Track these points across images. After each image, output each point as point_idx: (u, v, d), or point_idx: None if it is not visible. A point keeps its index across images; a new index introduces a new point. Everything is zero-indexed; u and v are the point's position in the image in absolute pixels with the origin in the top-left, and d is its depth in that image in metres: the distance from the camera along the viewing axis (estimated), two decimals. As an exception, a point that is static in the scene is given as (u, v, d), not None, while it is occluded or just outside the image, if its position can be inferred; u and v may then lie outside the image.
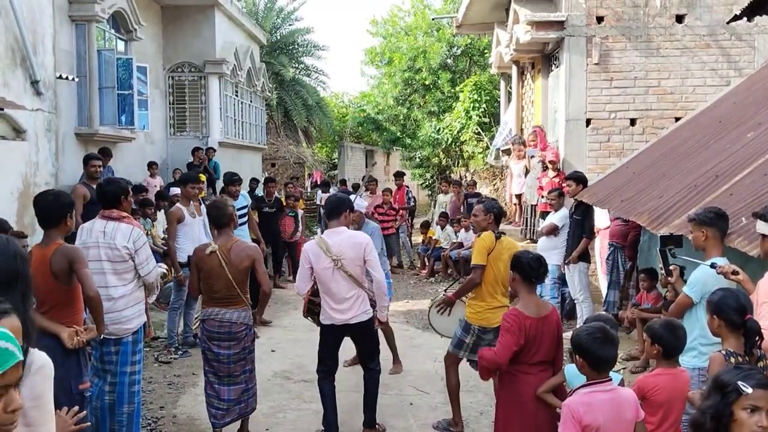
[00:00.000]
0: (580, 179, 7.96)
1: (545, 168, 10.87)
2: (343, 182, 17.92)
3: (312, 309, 5.44)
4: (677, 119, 9.96)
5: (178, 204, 7.60)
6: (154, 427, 5.56)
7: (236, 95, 16.35)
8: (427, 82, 22.21)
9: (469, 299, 5.46)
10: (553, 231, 8.14)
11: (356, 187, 15.34)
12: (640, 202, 6.54)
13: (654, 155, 8.23)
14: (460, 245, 12.14)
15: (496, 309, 5.20)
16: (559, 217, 8.15)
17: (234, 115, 16.19)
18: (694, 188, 5.88)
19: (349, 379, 5.89)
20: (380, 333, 5.70)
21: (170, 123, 14.64)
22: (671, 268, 4.54)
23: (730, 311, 3.35)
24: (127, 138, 11.71)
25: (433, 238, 13.36)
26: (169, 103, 14.60)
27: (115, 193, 4.95)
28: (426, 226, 14.62)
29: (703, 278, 4.20)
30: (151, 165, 12.42)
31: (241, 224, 8.93)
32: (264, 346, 7.82)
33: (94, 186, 7.78)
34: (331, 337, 5.31)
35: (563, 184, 8.23)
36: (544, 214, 10.47)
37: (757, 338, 3.30)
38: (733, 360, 3.28)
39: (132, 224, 4.94)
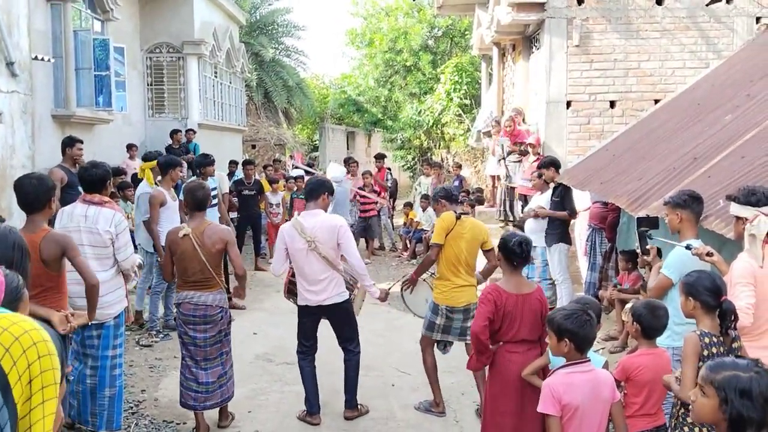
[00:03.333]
0: (550, 164, 7.98)
1: (520, 153, 10.90)
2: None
3: (292, 290, 5.51)
4: (656, 101, 10.02)
5: (159, 188, 7.54)
6: (136, 410, 5.56)
7: (215, 76, 16.19)
8: (408, 64, 22.14)
9: (435, 281, 5.58)
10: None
11: None
12: (620, 184, 6.60)
13: (633, 138, 8.30)
14: (442, 227, 12.15)
15: (461, 288, 5.32)
16: (546, 200, 8.11)
17: (213, 96, 16.04)
18: (673, 170, 5.95)
19: (331, 362, 5.92)
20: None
21: (149, 105, 14.48)
22: (648, 247, 4.61)
23: (705, 293, 3.40)
24: (104, 120, 11.57)
25: (415, 220, 13.38)
26: (148, 85, 14.43)
27: (101, 177, 4.93)
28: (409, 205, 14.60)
29: (681, 259, 4.26)
30: (131, 147, 12.29)
31: (211, 206, 8.81)
32: (246, 329, 7.83)
33: (72, 170, 7.71)
34: (307, 318, 5.39)
35: (538, 172, 8.21)
36: (524, 197, 10.53)
37: (732, 318, 3.36)
38: (707, 340, 3.34)
39: (114, 209, 4.93)
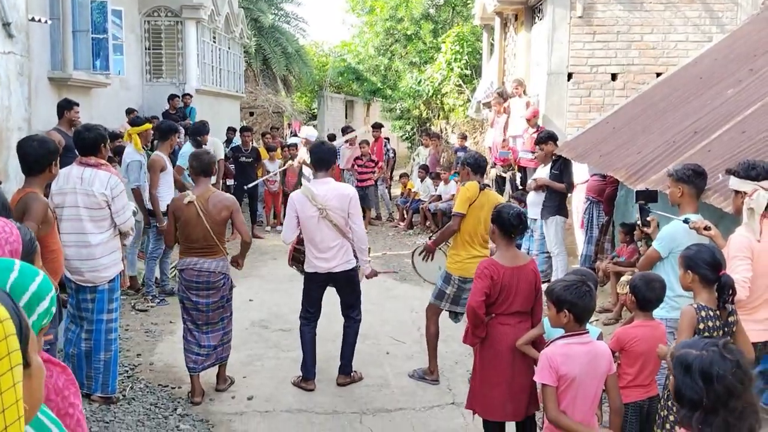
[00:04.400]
0: (549, 138, 7.92)
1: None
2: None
3: (297, 257, 5.53)
4: (658, 75, 9.95)
5: (158, 152, 7.50)
6: (132, 374, 5.59)
7: (214, 41, 16.02)
8: (408, 32, 21.90)
9: (449, 250, 5.54)
10: (543, 186, 8.00)
11: (332, 137, 15.20)
12: (619, 157, 6.57)
13: (634, 111, 8.25)
14: (439, 198, 12.17)
15: (475, 258, 5.29)
16: (546, 173, 8.05)
17: (211, 61, 15.89)
18: (673, 144, 5.92)
19: (327, 329, 5.95)
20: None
21: (146, 69, 14.34)
22: (649, 219, 4.60)
23: (704, 266, 3.40)
24: (101, 83, 11.45)
25: (412, 190, 13.36)
26: (145, 48, 14.28)
27: (94, 140, 4.88)
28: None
29: (673, 233, 4.26)
30: (130, 112, 12.19)
31: None
32: (242, 296, 7.83)
33: (69, 133, 7.65)
34: (314, 285, 5.39)
35: (537, 148, 8.12)
36: (524, 170, 10.50)
37: (730, 292, 3.36)
38: (703, 313, 3.35)
39: (110, 172, 4.90)
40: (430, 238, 6.00)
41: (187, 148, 8.23)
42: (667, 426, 3.33)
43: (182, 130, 10.63)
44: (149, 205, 7.36)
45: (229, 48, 17.26)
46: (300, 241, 5.41)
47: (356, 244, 5.30)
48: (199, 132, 8.93)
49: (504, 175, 11.29)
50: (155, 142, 8.22)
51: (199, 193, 5.05)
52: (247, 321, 7.02)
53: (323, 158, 5.29)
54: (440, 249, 5.80)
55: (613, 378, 3.29)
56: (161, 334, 6.59)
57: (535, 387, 4.00)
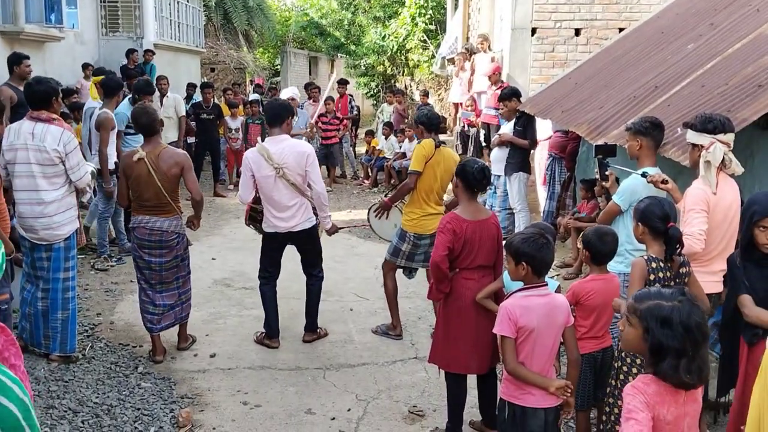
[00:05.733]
0: (512, 94, 7.89)
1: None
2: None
3: (254, 216, 5.45)
4: (621, 30, 9.94)
5: (107, 110, 7.29)
6: (91, 334, 5.52)
7: (172, -6, 15.59)
8: (372, -14, 21.59)
9: (405, 207, 5.53)
10: (506, 143, 8.01)
11: None
12: (581, 112, 6.58)
13: (596, 66, 8.25)
14: (403, 155, 12.10)
15: (430, 216, 5.31)
16: (510, 129, 8.05)
17: (170, 15, 15.48)
18: (634, 99, 5.94)
19: (290, 287, 5.94)
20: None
21: (102, 23, 13.90)
22: (607, 173, 4.63)
23: (654, 218, 3.45)
24: (55, 37, 11.08)
25: (377, 148, 13.27)
26: (100, 1, 13.82)
27: (46, 93, 4.71)
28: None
29: (632, 187, 4.30)
30: (86, 66, 11.84)
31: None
32: (204, 255, 7.78)
33: (21, 88, 7.40)
34: (273, 244, 5.33)
35: (501, 105, 8.09)
36: (487, 126, 10.48)
37: (677, 245, 3.42)
38: (654, 265, 3.41)
39: (62, 127, 4.75)
40: (386, 195, 5.97)
41: (124, 107, 7.80)
42: (621, 376, 3.41)
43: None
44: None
45: (188, 1, 16.81)
46: (256, 200, 5.31)
47: (316, 202, 5.23)
48: (142, 91, 8.37)
49: (468, 132, 11.29)
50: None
51: (150, 149, 4.89)
52: (210, 279, 6.98)
53: (277, 113, 5.16)
54: (396, 206, 5.78)
55: (570, 330, 3.33)
56: (121, 293, 6.51)
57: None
